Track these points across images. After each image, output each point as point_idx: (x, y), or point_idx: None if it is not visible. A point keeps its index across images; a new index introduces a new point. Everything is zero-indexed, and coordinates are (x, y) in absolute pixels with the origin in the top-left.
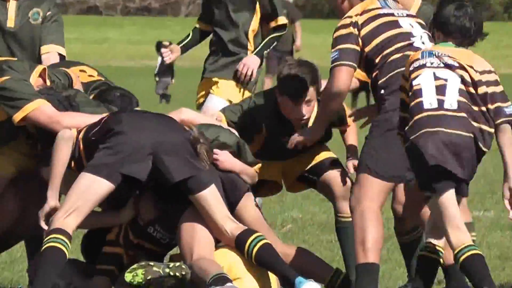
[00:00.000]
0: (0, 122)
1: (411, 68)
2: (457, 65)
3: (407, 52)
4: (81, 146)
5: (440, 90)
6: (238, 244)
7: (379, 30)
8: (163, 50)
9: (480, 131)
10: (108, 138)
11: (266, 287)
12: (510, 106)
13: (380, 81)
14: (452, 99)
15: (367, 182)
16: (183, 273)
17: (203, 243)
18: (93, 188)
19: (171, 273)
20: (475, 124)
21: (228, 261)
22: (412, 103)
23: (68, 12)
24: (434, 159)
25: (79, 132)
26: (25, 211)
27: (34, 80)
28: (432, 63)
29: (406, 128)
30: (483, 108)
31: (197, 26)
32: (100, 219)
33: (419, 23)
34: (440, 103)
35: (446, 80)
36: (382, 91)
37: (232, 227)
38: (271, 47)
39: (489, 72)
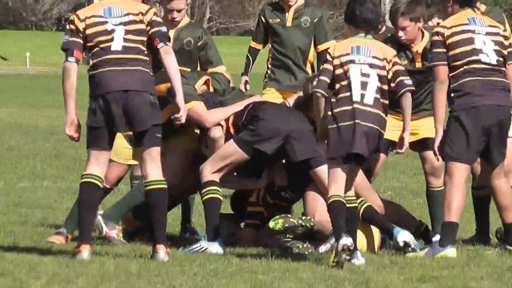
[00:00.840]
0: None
1: (343, 59)
2: (378, 63)
3: (474, 65)
4: (232, 130)
5: (363, 86)
6: None
7: (455, 44)
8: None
9: (384, 120)
10: (254, 122)
11: (371, 236)
12: (410, 79)
13: (453, 85)
14: (370, 97)
15: (453, 165)
16: (312, 224)
17: (323, 209)
18: (234, 156)
19: (303, 224)
20: (382, 114)
21: None
22: (342, 94)
23: (230, 34)
24: (360, 149)
25: (227, 120)
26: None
27: (199, 86)
28: (358, 61)
29: (335, 110)
30: (387, 101)
31: (253, 46)
32: (244, 184)
33: (493, 40)
34: (362, 97)
35: (368, 76)
36: (452, 94)
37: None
38: None
39: (395, 56)
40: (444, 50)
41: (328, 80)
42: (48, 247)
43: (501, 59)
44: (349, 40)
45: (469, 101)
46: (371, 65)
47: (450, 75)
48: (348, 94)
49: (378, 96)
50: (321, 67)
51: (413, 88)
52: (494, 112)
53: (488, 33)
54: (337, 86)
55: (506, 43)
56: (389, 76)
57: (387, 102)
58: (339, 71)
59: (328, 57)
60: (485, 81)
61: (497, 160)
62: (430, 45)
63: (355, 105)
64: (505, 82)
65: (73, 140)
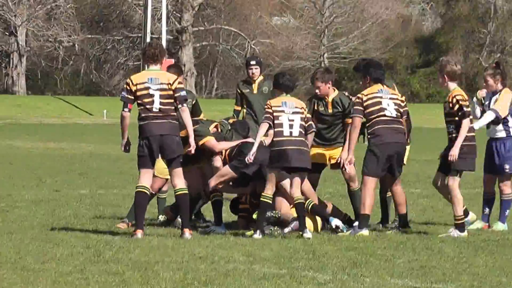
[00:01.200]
0: (201, 149)
1: (276, 109)
2: (299, 110)
3: (382, 118)
4: (227, 158)
5: (291, 126)
6: None
7: (370, 105)
8: None
9: (306, 143)
10: (241, 154)
11: (315, 222)
12: (313, 124)
13: (369, 130)
14: (296, 131)
15: (367, 178)
16: (279, 215)
17: (285, 206)
18: (229, 175)
19: (273, 215)
20: (305, 140)
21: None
22: (276, 129)
23: (229, 98)
24: (295, 163)
25: (226, 150)
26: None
27: (211, 128)
28: (287, 111)
29: (274, 139)
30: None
31: (236, 108)
32: (237, 190)
33: (394, 103)
34: (292, 133)
35: (293, 121)
36: (369, 136)
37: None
38: None
39: (306, 106)
40: (361, 108)
41: (272, 117)
42: (117, 231)
43: (399, 114)
44: (280, 98)
45: (379, 140)
46: (295, 112)
47: (367, 124)
48: (280, 129)
49: (302, 130)
50: (265, 111)
51: (315, 130)
52: (394, 147)
53: (390, 98)
54: (274, 122)
55: (402, 104)
56: (306, 119)
57: (304, 132)
58: (274, 114)
59: (268, 106)
60: (388, 127)
61: (397, 175)
62: (352, 104)
63: (287, 138)
64: (401, 128)
65: (125, 152)
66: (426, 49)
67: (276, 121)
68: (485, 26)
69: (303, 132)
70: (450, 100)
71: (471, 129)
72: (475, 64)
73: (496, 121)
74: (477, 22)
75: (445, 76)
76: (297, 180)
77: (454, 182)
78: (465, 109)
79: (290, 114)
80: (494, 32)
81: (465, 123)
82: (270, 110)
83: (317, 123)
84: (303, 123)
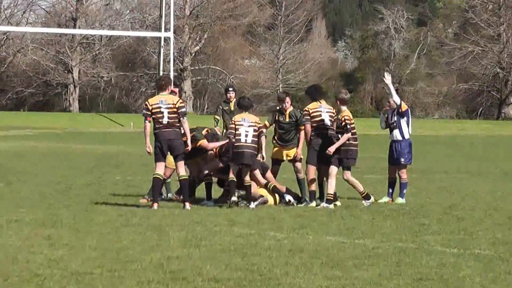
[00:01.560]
0: (198, 148)
1: (237, 123)
2: (253, 124)
3: (321, 125)
4: (217, 153)
5: (247, 135)
6: (265, 186)
7: (314, 116)
8: None
9: (256, 148)
10: (226, 152)
11: (274, 198)
12: (264, 132)
13: (312, 134)
14: (250, 139)
15: (310, 167)
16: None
17: (255, 187)
18: (218, 164)
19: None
20: (256, 146)
21: (263, 192)
22: (237, 137)
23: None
24: (247, 161)
25: (216, 148)
26: (202, 170)
27: (204, 132)
28: (245, 124)
29: (235, 144)
30: (257, 139)
31: (216, 117)
32: (222, 175)
33: (329, 115)
34: (246, 140)
35: (248, 132)
36: (312, 137)
37: (263, 181)
38: None
39: (259, 122)
40: (309, 118)
41: (234, 131)
42: (140, 204)
43: (331, 122)
44: (241, 114)
45: (318, 140)
46: (250, 126)
47: (312, 129)
48: (239, 137)
49: (255, 138)
50: (229, 126)
51: (266, 135)
52: (328, 146)
53: (327, 112)
54: (236, 132)
55: (333, 115)
56: (258, 129)
57: (257, 139)
58: (236, 127)
59: (232, 122)
60: (325, 132)
61: (329, 164)
62: (302, 115)
63: (243, 143)
64: (334, 133)
65: (148, 154)
66: (348, 81)
67: (236, 132)
68: (388, 65)
69: (255, 139)
70: (341, 118)
71: (356, 139)
72: (381, 91)
73: (394, 127)
74: (382, 63)
75: (338, 101)
76: (246, 170)
77: (347, 175)
78: (348, 126)
79: (246, 127)
80: (394, 70)
81: (346, 135)
82: (232, 126)
83: (278, 129)
84: (256, 133)
